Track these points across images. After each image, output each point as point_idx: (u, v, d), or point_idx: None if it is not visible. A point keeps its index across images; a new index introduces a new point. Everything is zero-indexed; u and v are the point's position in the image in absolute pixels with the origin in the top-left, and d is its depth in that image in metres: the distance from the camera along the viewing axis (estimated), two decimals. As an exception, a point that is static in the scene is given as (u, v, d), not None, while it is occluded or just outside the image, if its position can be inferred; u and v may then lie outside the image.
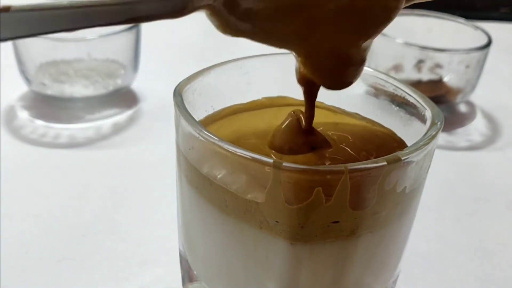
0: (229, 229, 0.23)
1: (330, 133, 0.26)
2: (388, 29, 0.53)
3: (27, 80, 0.47)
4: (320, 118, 0.28)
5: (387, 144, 0.26)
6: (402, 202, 0.23)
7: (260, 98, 0.28)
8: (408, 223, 0.25)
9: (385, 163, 0.20)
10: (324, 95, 0.29)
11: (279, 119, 0.25)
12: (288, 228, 0.21)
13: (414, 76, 0.50)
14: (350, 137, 0.26)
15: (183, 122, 0.22)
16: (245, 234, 0.22)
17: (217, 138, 0.21)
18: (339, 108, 0.29)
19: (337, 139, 0.25)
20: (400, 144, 0.26)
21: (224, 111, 0.27)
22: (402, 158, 0.21)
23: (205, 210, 0.23)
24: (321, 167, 0.21)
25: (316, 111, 0.27)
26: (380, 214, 0.22)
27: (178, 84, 0.25)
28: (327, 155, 0.24)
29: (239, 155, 0.20)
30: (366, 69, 0.28)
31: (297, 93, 0.29)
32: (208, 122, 0.27)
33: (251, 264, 0.23)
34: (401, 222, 0.24)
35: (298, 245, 0.21)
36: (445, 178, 0.42)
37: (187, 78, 0.25)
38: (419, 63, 0.50)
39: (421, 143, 0.22)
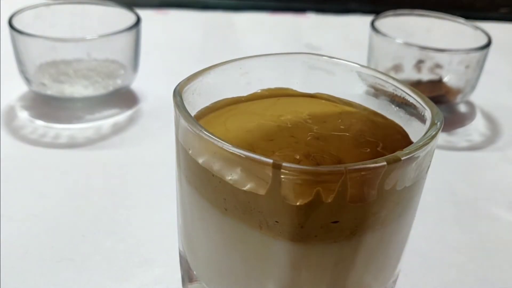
0: (228, 229, 0.23)
1: (334, 125, 0.26)
2: (388, 29, 0.53)
3: (27, 80, 0.47)
4: (323, 109, 0.28)
5: (391, 136, 0.26)
6: (402, 202, 0.23)
7: (259, 90, 0.28)
8: (408, 223, 0.25)
9: (385, 163, 0.20)
10: (324, 92, 0.29)
11: (278, 108, 0.25)
12: (287, 228, 0.21)
13: (414, 76, 0.50)
14: (354, 129, 0.26)
15: (183, 122, 0.22)
16: (245, 234, 0.22)
17: (217, 139, 0.21)
18: (340, 99, 0.29)
19: (341, 131, 0.25)
20: (404, 137, 0.26)
21: (223, 101, 0.27)
22: (402, 158, 0.21)
23: (204, 211, 0.23)
24: (320, 168, 0.21)
25: (318, 103, 0.27)
26: (380, 214, 0.22)
27: (178, 84, 0.25)
28: (331, 149, 0.24)
29: (239, 156, 0.20)
30: (366, 69, 0.28)
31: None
32: (207, 112, 0.26)
33: (251, 264, 0.23)
34: (401, 222, 0.24)
35: (298, 245, 0.21)
36: (445, 178, 0.42)
37: (186, 78, 0.25)
38: (419, 63, 0.50)
39: (420, 143, 0.22)
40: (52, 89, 0.46)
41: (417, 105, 0.25)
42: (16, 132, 0.44)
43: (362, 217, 0.21)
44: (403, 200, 0.23)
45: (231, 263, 0.24)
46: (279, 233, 0.21)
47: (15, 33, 0.45)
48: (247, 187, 0.21)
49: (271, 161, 0.20)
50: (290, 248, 0.21)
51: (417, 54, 0.49)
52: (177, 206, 0.27)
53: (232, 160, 0.21)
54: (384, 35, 0.49)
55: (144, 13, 0.52)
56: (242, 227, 0.22)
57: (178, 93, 0.24)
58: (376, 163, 0.20)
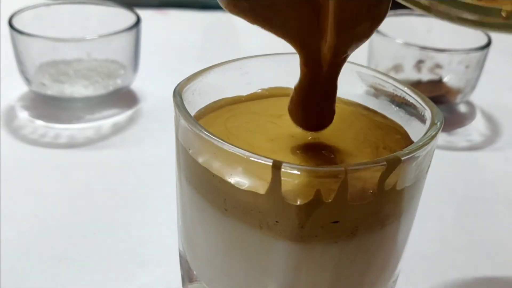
0: (228, 230, 0.23)
1: (334, 125, 0.26)
2: (388, 29, 0.53)
3: (27, 80, 0.47)
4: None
5: (391, 136, 0.26)
6: (402, 202, 0.23)
7: (259, 90, 0.28)
8: (408, 223, 0.25)
9: (385, 163, 0.20)
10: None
11: (278, 108, 0.25)
12: (288, 228, 0.21)
13: (414, 76, 0.50)
14: (354, 129, 0.26)
15: (183, 122, 0.22)
16: (245, 234, 0.22)
17: (217, 139, 0.21)
18: (340, 99, 0.28)
19: (341, 131, 0.25)
20: (404, 137, 0.26)
21: (223, 101, 0.27)
22: (402, 158, 0.21)
23: (204, 211, 0.23)
24: (320, 168, 0.21)
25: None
26: (380, 214, 0.22)
27: (178, 84, 0.25)
28: (331, 149, 0.24)
29: (239, 156, 0.20)
30: (366, 69, 0.28)
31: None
32: (207, 112, 0.26)
33: (251, 264, 0.23)
34: (401, 222, 0.24)
35: (298, 245, 0.21)
36: (445, 178, 0.42)
37: (187, 78, 0.25)
38: (419, 63, 0.50)
39: (420, 143, 0.22)
40: (52, 89, 0.46)
41: (417, 105, 0.25)
42: (16, 132, 0.44)
43: (362, 217, 0.21)
44: (403, 200, 0.23)
45: (231, 263, 0.24)
46: (280, 233, 0.21)
47: (15, 33, 0.45)
48: (247, 187, 0.21)
49: (271, 161, 0.20)
50: (291, 248, 0.21)
51: (417, 54, 0.49)
52: (177, 206, 0.27)
53: (232, 160, 0.21)
54: (384, 35, 0.49)
55: (144, 13, 0.52)
56: (242, 227, 0.22)
57: (178, 93, 0.24)
58: (376, 163, 0.20)
